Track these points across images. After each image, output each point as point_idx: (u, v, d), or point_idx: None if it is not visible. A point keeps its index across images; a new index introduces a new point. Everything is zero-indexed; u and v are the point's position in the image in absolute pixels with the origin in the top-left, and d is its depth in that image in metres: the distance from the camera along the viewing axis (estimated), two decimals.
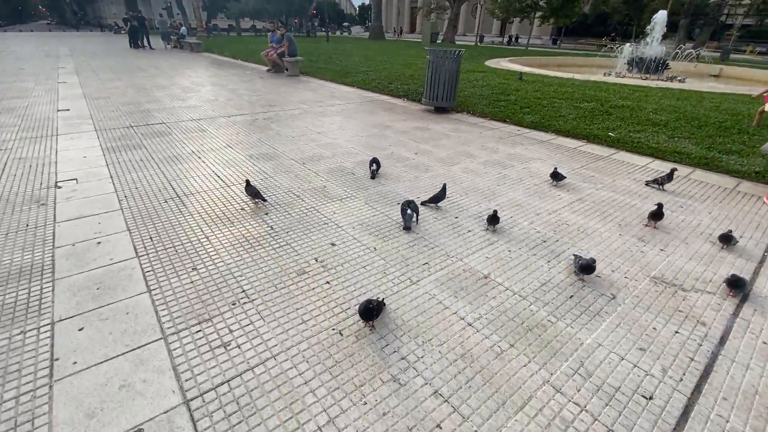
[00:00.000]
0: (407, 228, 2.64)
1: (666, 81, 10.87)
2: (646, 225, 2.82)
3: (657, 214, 2.74)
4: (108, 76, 9.53)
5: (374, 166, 3.57)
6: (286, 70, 10.58)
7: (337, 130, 5.16)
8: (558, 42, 46.13)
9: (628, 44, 13.18)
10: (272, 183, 3.37)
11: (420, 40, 31.50)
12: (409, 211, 2.64)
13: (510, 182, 3.58)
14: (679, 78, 11.20)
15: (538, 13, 26.57)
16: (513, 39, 40.64)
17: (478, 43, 36.54)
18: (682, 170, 4.02)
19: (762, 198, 3.43)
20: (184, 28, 19.62)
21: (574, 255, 2.30)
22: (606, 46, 22.34)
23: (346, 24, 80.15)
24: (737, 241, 2.57)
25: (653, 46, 12.54)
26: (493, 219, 2.62)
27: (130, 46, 18.48)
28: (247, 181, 2.92)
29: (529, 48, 27.89)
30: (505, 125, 5.79)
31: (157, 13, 62.41)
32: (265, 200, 2.94)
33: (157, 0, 66.36)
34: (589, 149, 4.69)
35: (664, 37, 12.95)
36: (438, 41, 24.41)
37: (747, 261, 2.39)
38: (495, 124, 5.86)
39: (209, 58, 15.08)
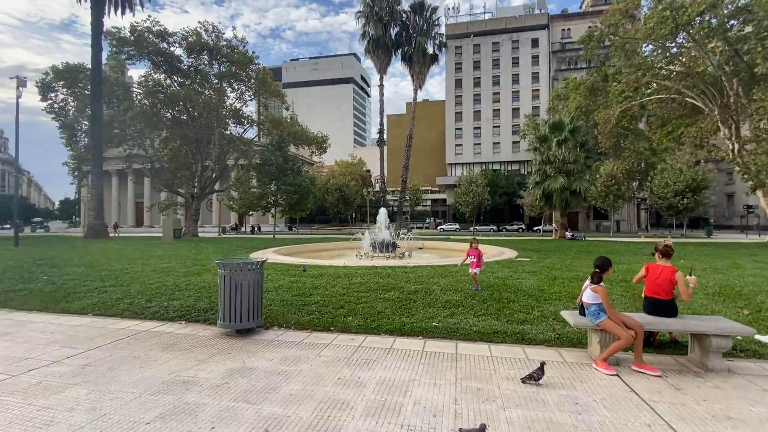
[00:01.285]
0: None
1: (400, 258, 13.73)
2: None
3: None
4: None
5: None
6: None
7: (89, 426, 2.83)
8: (293, 228, 53.50)
9: (366, 231, 16.30)
10: None
11: (160, 235, 28.69)
12: None
13: None
14: (407, 254, 14.43)
15: (278, 208, 30.28)
16: (256, 228, 43.86)
17: (222, 234, 36.97)
18: (516, 349, 4.34)
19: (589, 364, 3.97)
20: None
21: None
22: (351, 233, 27.28)
23: (38, 219, 64.87)
24: None
25: (383, 232, 16.03)
26: None
27: None
28: None
29: (276, 236, 30.34)
30: (333, 335, 5.02)
31: None
32: None
33: None
34: (437, 347, 4.51)
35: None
36: (181, 236, 22.69)
37: None
38: (322, 336, 5.00)
39: None
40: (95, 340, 4.85)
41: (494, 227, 50.87)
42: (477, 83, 59.66)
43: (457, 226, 51.14)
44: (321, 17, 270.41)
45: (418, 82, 28.09)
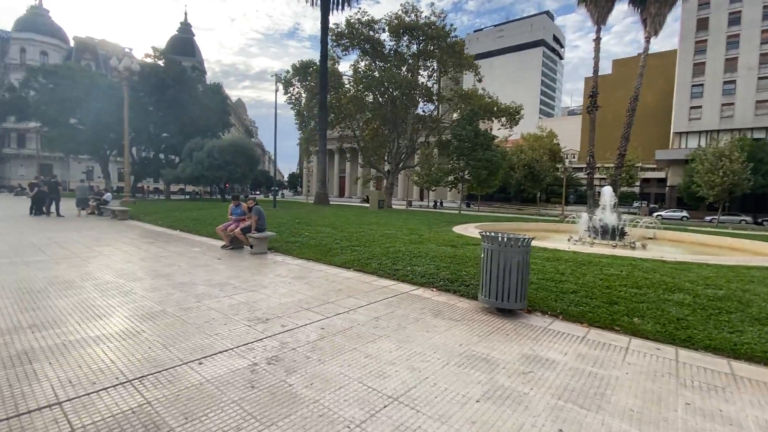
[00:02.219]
0: None
1: (630, 248, 11.08)
2: None
3: None
4: None
5: None
6: (251, 246, 8.46)
7: (420, 387, 2.84)
8: (471, 205, 52.88)
9: (584, 213, 14.05)
10: None
11: (360, 205, 32.81)
12: None
13: None
14: (640, 244, 11.58)
15: (464, 184, 30.03)
16: (438, 203, 45.35)
17: (408, 207, 39.66)
18: None
19: None
20: (108, 194, 17.26)
21: None
22: (538, 213, 24.84)
23: (275, 189, 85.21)
24: None
25: (608, 214, 13.44)
26: None
27: (31, 213, 15.22)
28: None
29: (461, 212, 30.37)
30: (621, 337, 4.05)
31: (76, 177, 59.60)
32: None
33: (78, 164, 64.47)
34: None
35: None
36: (383, 207, 25.25)
37: None
38: (608, 336, 4.10)
39: (138, 229, 12.48)
40: (370, 294, 5.34)
41: (746, 218, 37.49)
42: (735, 20, 43.63)
43: (684, 213, 40.05)
44: None
45: (653, 27, 21.98)
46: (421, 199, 61.29)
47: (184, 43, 78.85)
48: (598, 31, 25.74)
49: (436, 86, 33.29)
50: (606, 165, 39.59)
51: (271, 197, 56.90)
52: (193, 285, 5.51)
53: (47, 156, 63.59)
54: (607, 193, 13.59)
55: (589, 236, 13.17)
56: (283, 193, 74.51)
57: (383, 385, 2.84)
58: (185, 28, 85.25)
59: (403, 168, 34.66)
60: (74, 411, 2.37)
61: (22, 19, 69.54)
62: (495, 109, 31.61)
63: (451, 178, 29.96)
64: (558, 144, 55.95)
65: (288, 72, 36.61)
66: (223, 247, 8.86)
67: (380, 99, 33.27)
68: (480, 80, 31.38)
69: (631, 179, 40.78)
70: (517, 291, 4.55)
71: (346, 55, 34.91)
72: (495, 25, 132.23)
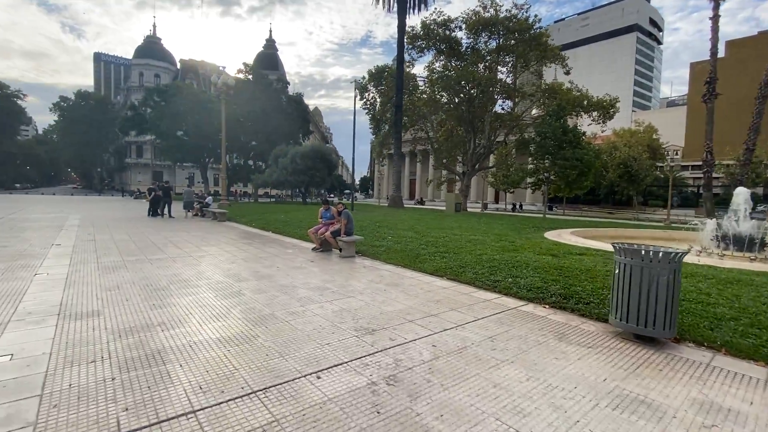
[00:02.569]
0: None
1: None
2: None
3: None
4: (111, 260, 7.24)
5: None
6: (340, 250, 8.53)
7: (565, 425, 2.36)
8: (553, 208, 48.94)
9: (712, 219, 11.92)
10: None
11: (434, 208, 32.23)
12: None
13: None
14: None
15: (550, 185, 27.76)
16: (518, 206, 42.77)
17: (484, 210, 37.97)
18: None
19: None
20: (210, 197, 19.16)
21: None
22: (635, 218, 21.98)
23: (347, 191, 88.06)
24: None
25: (742, 221, 11.22)
26: None
27: (149, 214, 17.45)
28: None
29: (546, 216, 28.14)
30: None
31: (180, 182, 68.04)
32: None
33: (182, 171, 73.38)
34: None
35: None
36: (460, 210, 24.33)
37: None
38: None
39: (236, 230, 13.50)
40: (474, 309, 4.89)
41: None
42: None
43: None
44: None
45: None
46: (496, 202, 58.56)
47: (269, 58, 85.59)
48: (716, 7, 22.08)
49: (516, 81, 31.41)
50: (724, 162, 33.86)
51: (345, 200, 58.39)
52: (293, 288, 5.58)
53: (158, 164, 73.49)
54: (743, 195, 11.35)
55: (718, 247, 11.13)
56: (355, 196, 76.83)
57: (526, 426, 2.40)
58: (270, 44, 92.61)
59: (480, 169, 33.31)
60: (209, 422, 2.33)
61: (140, 47, 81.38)
62: (585, 103, 28.82)
63: (533, 179, 27.96)
64: (658, 139, 49.57)
65: (364, 78, 37.51)
66: (314, 249, 9.07)
67: (456, 98, 32.41)
68: (568, 72, 28.87)
69: (758, 178, 34.30)
70: (665, 316, 3.76)
71: (420, 57, 34.55)
72: (579, 14, 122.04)
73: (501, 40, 29.20)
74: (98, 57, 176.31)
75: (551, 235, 13.03)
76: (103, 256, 7.52)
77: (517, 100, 32.54)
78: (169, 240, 10.21)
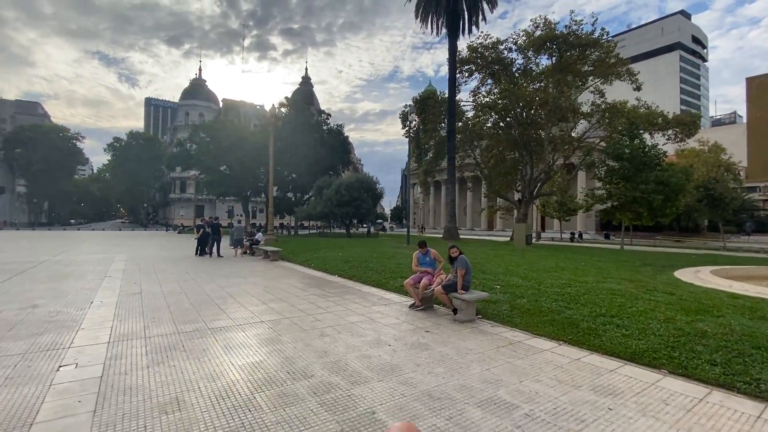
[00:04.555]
0: None
1: None
2: None
3: None
4: (162, 334, 5.35)
5: None
6: (454, 311, 6.27)
7: None
8: (609, 237, 44.55)
9: None
10: None
11: (493, 239, 29.50)
12: None
13: None
14: None
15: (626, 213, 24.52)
16: (578, 235, 38.97)
17: (537, 240, 34.68)
18: None
19: None
20: (260, 234, 17.69)
21: None
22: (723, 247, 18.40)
23: (380, 221, 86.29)
24: None
25: None
26: None
27: (196, 253, 16.06)
28: None
29: (624, 247, 24.70)
30: None
31: (221, 215, 68.98)
32: None
33: (222, 205, 74.71)
34: None
35: None
36: (532, 242, 21.43)
37: None
38: None
39: (295, 273, 11.62)
40: None
41: None
42: None
43: None
44: None
45: None
46: (542, 230, 54.61)
47: (305, 95, 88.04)
48: None
49: (576, 101, 28.99)
50: None
51: (379, 230, 56.21)
52: (451, 401, 3.36)
53: (200, 198, 75.24)
54: None
55: None
56: (392, 227, 74.87)
57: None
58: (306, 81, 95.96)
59: (538, 196, 30.50)
60: None
61: (186, 89, 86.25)
62: (660, 120, 25.87)
63: (605, 205, 24.89)
64: (728, 158, 45.01)
65: (407, 106, 36.41)
66: (412, 306, 6.89)
67: (506, 122, 30.32)
68: (638, 88, 26.22)
69: None
70: None
71: (465, 83, 32.92)
72: (614, 36, 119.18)
73: (560, 58, 27.15)
74: (149, 101, 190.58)
75: (687, 276, 10.21)
76: (152, 325, 5.66)
77: (578, 119, 29.98)
78: (226, 292, 8.36)
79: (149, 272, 11.25)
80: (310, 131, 41.10)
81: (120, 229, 54.91)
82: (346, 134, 45.57)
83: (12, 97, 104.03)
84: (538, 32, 28.06)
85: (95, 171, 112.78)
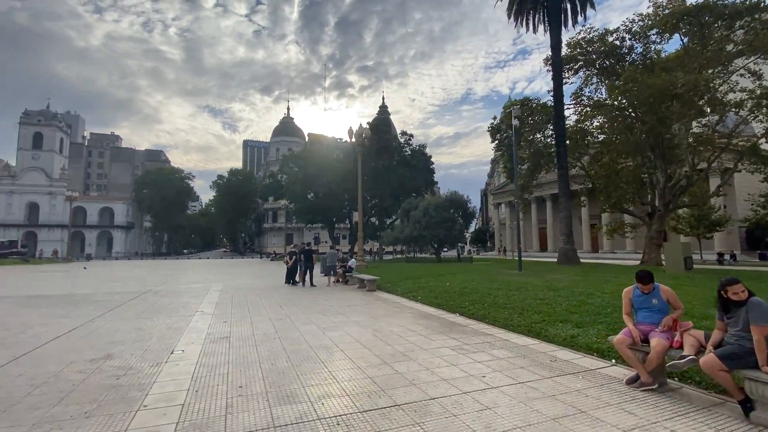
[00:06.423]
0: None
1: None
2: None
3: None
4: (250, 412, 3.41)
5: None
6: (746, 403, 3.32)
7: None
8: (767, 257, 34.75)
9: None
10: None
11: (623, 263, 24.46)
12: None
13: None
14: None
15: None
16: (729, 257, 30.82)
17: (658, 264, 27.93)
18: None
19: None
20: (353, 260, 16.15)
21: None
22: None
23: (461, 245, 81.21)
24: None
25: None
26: None
27: (286, 281, 14.96)
28: None
29: None
30: None
31: (305, 242, 71.45)
32: None
33: (308, 231, 77.74)
34: None
35: None
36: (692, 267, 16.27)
37: None
38: None
39: (402, 308, 9.42)
40: None
41: None
42: None
43: None
44: None
45: None
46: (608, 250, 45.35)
47: (383, 123, 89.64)
48: None
49: (722, 87, 23.16)
50: None
51: (457, 254, 52.11)
52: None
53: (290, 227, 79.37)
54: None
55: None
56: (476, 250, 70.00)
57: None
58: (383, 110, 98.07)
59: (677, 207, 24.68)
60: None
61: (277, 128, 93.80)
62: None
63: None
64: None
65: (495, 118, 33.48)
66: (631, 382, 4.08)
67: (626, 123, 25.45)
68: None
69: None
70: None
71: (567, 81, 28.87)
72: None
73: (701, 35, 22.04)
74: (246, 143, 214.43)
75: None
76: (237, 405, 3.75)
77: (721, 114, 23.92)
78: (329, 337, 6.41)
79: (241, 305, 10.01)
80: (390, 154, 40.23)
81: (221, 257, 59.55)
82: (429, 154, 43.85)
83: (143, 149, 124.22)
84: (666, 10, 23.44)
85: (203, 206, 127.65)
